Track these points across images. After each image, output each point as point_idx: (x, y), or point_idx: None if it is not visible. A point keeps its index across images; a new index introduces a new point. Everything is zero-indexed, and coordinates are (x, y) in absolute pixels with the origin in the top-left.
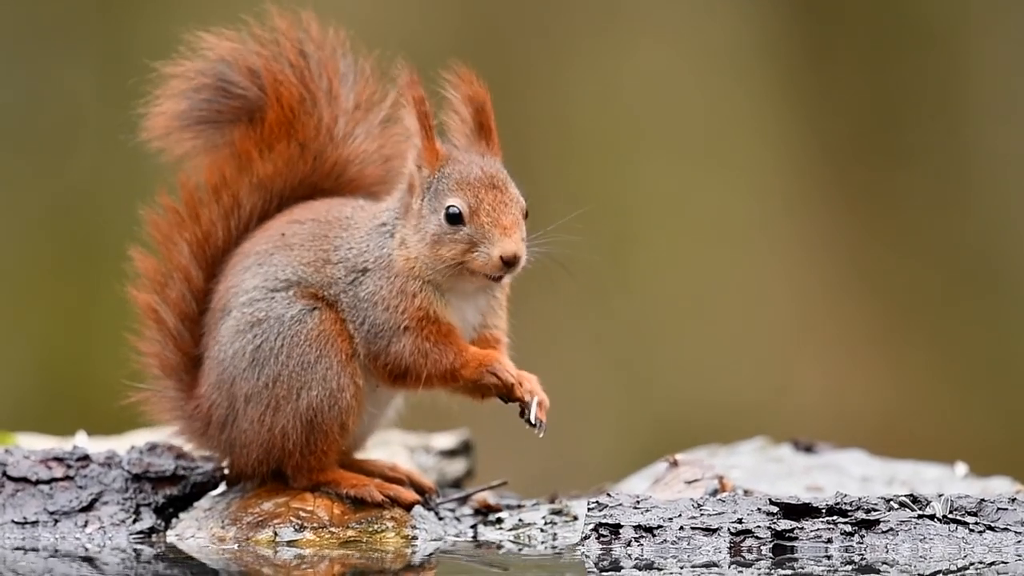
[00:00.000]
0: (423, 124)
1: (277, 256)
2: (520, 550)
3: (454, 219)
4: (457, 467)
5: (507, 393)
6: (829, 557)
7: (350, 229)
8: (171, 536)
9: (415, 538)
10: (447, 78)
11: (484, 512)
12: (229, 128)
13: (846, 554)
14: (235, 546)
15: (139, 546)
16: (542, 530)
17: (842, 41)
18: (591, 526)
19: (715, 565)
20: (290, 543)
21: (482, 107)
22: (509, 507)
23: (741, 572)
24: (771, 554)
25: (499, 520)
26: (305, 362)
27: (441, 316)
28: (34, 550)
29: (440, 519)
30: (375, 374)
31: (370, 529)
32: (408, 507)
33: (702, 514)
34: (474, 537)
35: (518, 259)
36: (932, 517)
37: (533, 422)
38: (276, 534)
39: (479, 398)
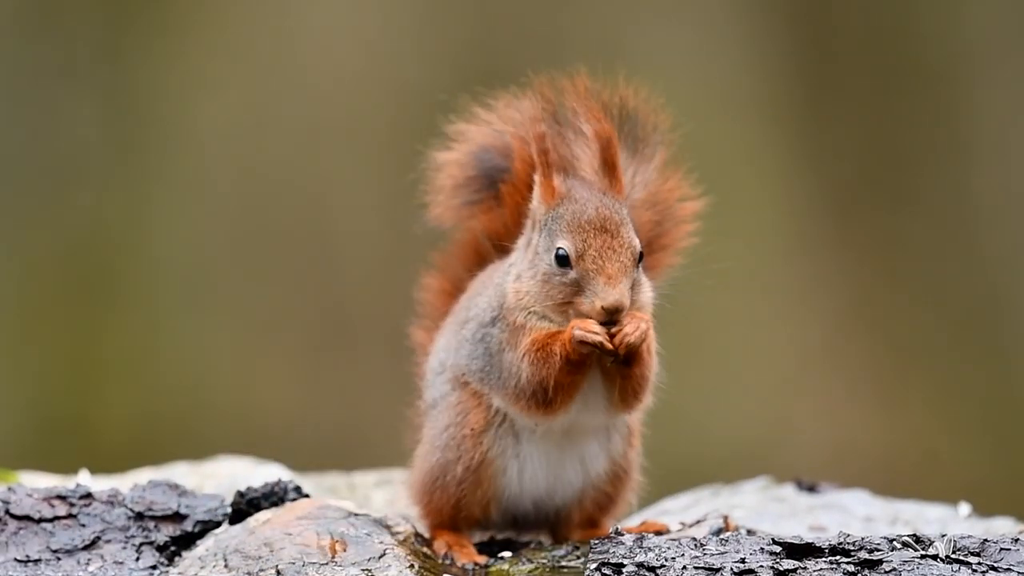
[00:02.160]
0: (541, 160)
1: None
2: None
3: (562, 261)
4: None
5: (608, 333)
6: None
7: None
8: (174, 574)
9: None
10: (577, 110)
11: (490, 550)
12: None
13: None
14: None
15: None
16: (547, 568)
17: (844, 83)
18: (594, 565)
19: None
20: None
21: (608, 144)
22: (512, 544)
23: None
24: None
25: (504, 558)
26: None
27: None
28: None
29: (447, 556)
30: (526, 416)
31: (374, 567)
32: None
33: (705, 554)
34: (478, 574)
35: (620, 310)
36: (935, 557)
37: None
38: (279, 572)
39: (620, 386)
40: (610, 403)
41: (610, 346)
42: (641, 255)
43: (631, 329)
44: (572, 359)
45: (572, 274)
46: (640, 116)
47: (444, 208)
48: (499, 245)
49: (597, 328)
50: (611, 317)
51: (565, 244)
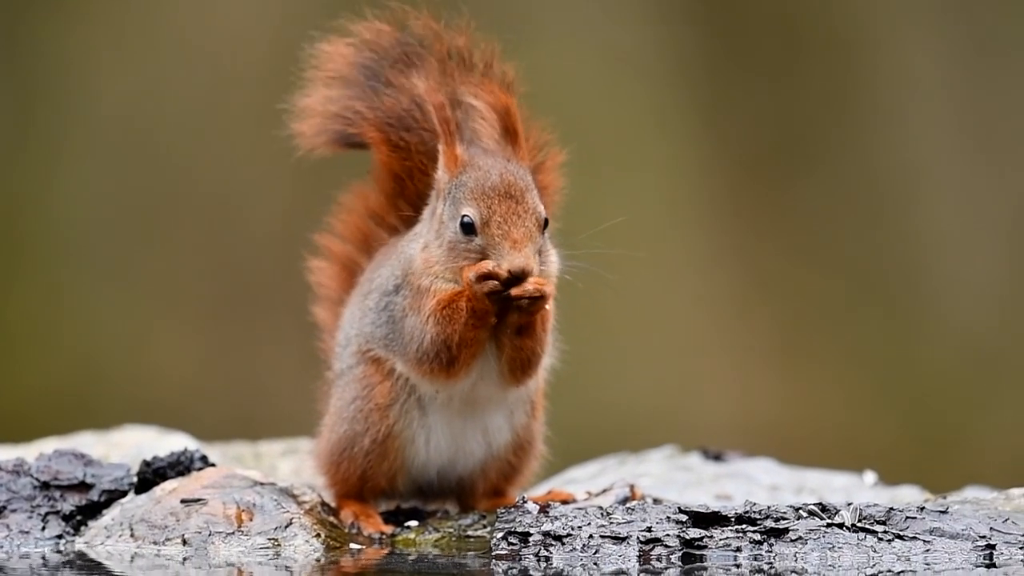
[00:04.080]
0: (444, 129)
1: None
2: (430, 557)
3: (467, 228)
4: None
5: (508, 278)
6: (738, 566)
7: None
8: (80, 544)
9: (329, 547)
10: (470, 85)
11: (396, 519)
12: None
13: (755, 563)
14: (144, 554)
15: (48, 554)
16: (453, 538)
17: (748, 48)
18: (500, 534)
19: (624, 574)
20: (199, 550)
21: (507, 112)
22: (419, 513)
23: None
24: (680, 563)
25: (410, 527)
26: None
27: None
28: None
29: (353, 526)
30: (428, 380)
31: (280, 536)
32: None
33: (611, 522)
34: (384, 543)
35: (526, 274)
36: (841, 526)
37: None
38: (186, 542)
39: (509, 357)
40: (501, 375)
41: (504, 273)
42: (546, 221)
43: (531, 286)
44: (476, 309)
45: (478, 241)
46: (480, 62)
47: (307, 140)
48: (383, 222)
49: (488, 261)
50: (517, 283)
51: (470, 211)
